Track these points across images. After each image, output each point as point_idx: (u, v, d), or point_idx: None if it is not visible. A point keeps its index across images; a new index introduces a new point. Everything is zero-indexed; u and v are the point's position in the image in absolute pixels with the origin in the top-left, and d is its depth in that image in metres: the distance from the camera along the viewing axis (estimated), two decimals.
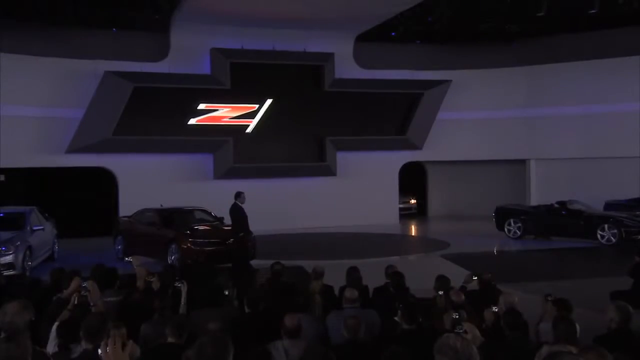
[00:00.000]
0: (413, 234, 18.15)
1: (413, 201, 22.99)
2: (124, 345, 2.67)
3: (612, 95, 19.35)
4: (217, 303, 5.67)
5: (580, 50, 19.81)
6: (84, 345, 3.69)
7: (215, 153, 18.66)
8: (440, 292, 5.94)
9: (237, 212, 11.67)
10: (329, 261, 12.25)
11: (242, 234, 11.64)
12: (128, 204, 16.12)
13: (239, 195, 11.83)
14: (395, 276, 6.82)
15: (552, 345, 3.82)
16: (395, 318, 4.95)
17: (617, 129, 19.26)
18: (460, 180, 23.18)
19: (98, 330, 3.61)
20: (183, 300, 5.74)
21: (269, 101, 19.05)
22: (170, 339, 4.33)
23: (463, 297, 5.80)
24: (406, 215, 21.83)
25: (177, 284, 5.96)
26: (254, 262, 11.93)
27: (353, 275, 6.88)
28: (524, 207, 17.75)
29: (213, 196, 17.35)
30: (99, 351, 2.65)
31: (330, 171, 19.86)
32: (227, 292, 5.88)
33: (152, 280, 6.37)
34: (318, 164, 19.81)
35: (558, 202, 16.27)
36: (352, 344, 4.45)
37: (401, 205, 21.46)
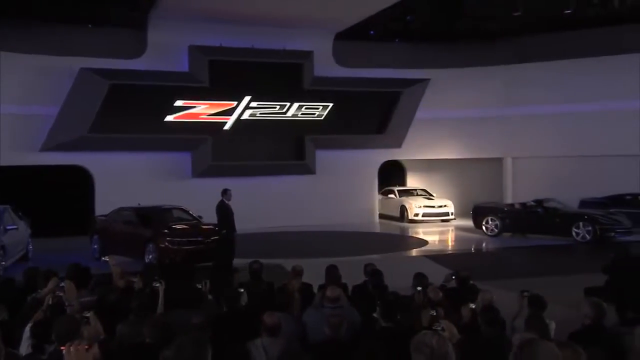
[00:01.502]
0: (392, 232, 18.26)
1: (446, 205, 19.70)
2: (89, 347, 2.63)
3: (590, 94, 19.52)
4: (195, 303, 5.64)
5: (557, 50, 20.01)
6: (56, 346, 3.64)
7: (194, 151, 18.54)
8: (419, 288, 6.02)
9: (224, 210, 11.66)
10: (308, 259, 12.26)
11: (224, 231, 11.63)
12: (104, 203, 15.93)
13: (225, 192, 11.82)
14: (374, 274, 6.86)
15: (524, 333, 3.88)
16: (374, 314, 4.97)
17: (594, 127, 19.47)
18: (438, 178, 23.37)
19: (68, 332, 3.55)
20: (160, 300, 5.70)
21: (247, 98, 18.99)
22: (147, 340, 4.30)
23: (440, 294, 5.86)
24: (437, 222, 19.35)
25: (154, 284, 5.92)
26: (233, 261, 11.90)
27: (332, 274, 6.91)
28: (500, 205, 17.99)
29: (191, 195, 17.24)
30: (64, 352, 2.61)
31: (309, 169, 19.86)
32: (200, 286, 5.84)
33: (134, 280, 6.33)
34: (297, 163, 19.79)
35: (535, 200, 16.53)
36: (333, 342, 4.46)
37: (429, 210, 19.39)
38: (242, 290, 5.90)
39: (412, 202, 19.51)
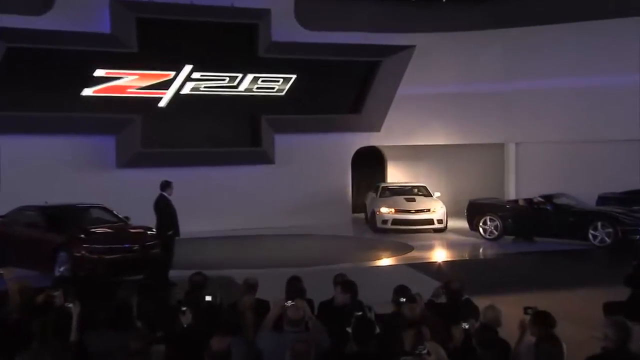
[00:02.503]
0: (368, 236, 18.38)
1: (430, 209, 18.32)
2: None
3: (607, 65, 19.68)
4: (120, 326, 5.59)
5: (568, 10, 20.05)
6: None
7: (118, 135, 18.32)
8: (403, 299, 6.10)
9: (165, 207, 11.67)
10: (264, 270, 12.20)
11: (170, 232, 11.64)
12: (2, 200, 15.58)
13: (167, 185, 11.86)
14: (345, 287, 6.90)
15: None
16: (348, 329, 5.06)
17: (613, 107, 19.73)
18: (425, 169, 23.62)
19: None
20: (75, 323, 5.63)
21: (188, 67, 18.84)
22: None
23: (418, 310, 5.96)
24: (415, 233, 18.06)
25: (66, 304, 5.85)
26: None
27: (295, 287, 6.92)
28: (501, 201, 18.29)
29: (115, 190, 17.04)
30: None
31: (266, 158, 19.85)
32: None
33: (55, 294, 6.29)
34: (251, 150, 19.76)
35: (542, 196, 16.81)
36: None
37: (402, 216, 18.17)
38: (184, 308, 5.91)
39: (381, 205, 18.68)
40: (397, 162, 24.05)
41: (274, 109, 19.86)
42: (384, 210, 18.41)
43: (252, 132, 19.86)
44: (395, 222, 18.24)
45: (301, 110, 20.11)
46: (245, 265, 13.41)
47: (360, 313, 5.72)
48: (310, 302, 6.84)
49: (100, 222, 13.15)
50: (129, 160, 18.32)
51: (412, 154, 23.60)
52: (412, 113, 21.19)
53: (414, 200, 18.81)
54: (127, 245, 12.05)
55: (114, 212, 13.55)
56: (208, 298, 6.46)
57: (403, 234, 17.77)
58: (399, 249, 15.89)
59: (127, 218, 13.31)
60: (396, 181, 22.52)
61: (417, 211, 18.38)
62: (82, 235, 12.08)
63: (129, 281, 10.14)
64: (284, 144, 20.06)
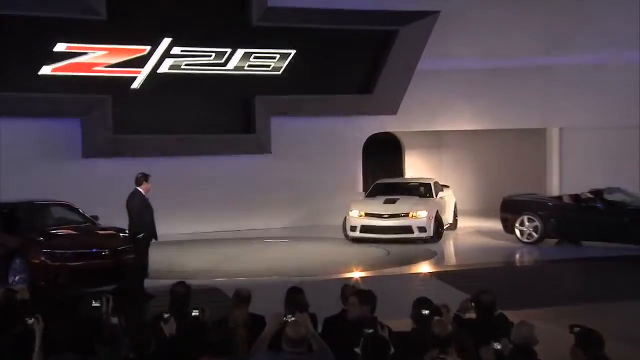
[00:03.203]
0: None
1: (412, 215, 17.31)
2: None
3: None
4: (83, 347, 5.61)
5: None
6: None
7: (85, 119, 18.32)
8: (425, 312, 6.10)
9: (139, 205, 11.71)
10: (258, 280, 12.31)
11: (141, 235, 11.70)
12: None
13: (143, 179, 11.89)
14: (363, 297, 6.91)
15: None
16: (356, 350, 5.05)
17: None
18: (451, 160, 23.59)
19: None
20: (38, 342, 5.67)
21: (166, 41, 18.84)
22: None
23: (450, 329, 5.96)
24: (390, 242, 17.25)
25: (28, 320, 5.88)
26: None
27: (295, 300, 6.93)
28: (542, 198, 18.25)
29: (82, 184, 17.08)
30: None
31: (261, 147, 19.88)
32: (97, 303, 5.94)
33: (17, 290, 6.37)
34: (243, 137, 19.79)
35: (592, 192, 16.78)
36: None
37: (374, 222, 17.40)
38: (167, 315, 5.99)
39: (352, 208, 17.67)
40: (416, 151, 24.06)
41: (270, 89, 19.84)
42: (352, 214, 17.55)
43: (244, 117, 19.85)
44: (365, 229, 17.37)
45: (302, 90, 20.09)
46: (236, 274, 13.42)
47: (371, 331, 5.74)
48: (313, 318, 6.84)
49: (63, 223, 13.17)
50: (97, 149, 18.31)
51: (435, 142, 23.60)
52: (434, 93, 21.18)
53: (393, 202, 17.74)
54: (95, 250, 12.07)
55: (80, 210, 13.56)
56: (194, 313, 6.48)
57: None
58: (418, 254, 15.93)
59: (95, 218, 13.33)
60: (411, 176, 22.56)
61: (392, 216, 17.31)
62: (42, 239, 12.09)
63: (98, 293, 10.16)
64: (283, 130, 20.06)
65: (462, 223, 20.02)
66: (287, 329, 5.60)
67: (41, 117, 18.02)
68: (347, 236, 17.65)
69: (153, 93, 18.88)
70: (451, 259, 15.99)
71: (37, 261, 11.76)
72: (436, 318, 6.13)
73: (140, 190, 11.86)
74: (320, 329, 6.79)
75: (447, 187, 19.87)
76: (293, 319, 5.86)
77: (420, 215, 17.30)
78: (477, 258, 15.94)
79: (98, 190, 16.55)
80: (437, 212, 17.60)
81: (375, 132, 21.61)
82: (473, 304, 7.19)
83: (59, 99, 18.03)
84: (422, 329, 6.00)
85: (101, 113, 18.31)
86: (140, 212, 11.77)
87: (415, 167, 23.81)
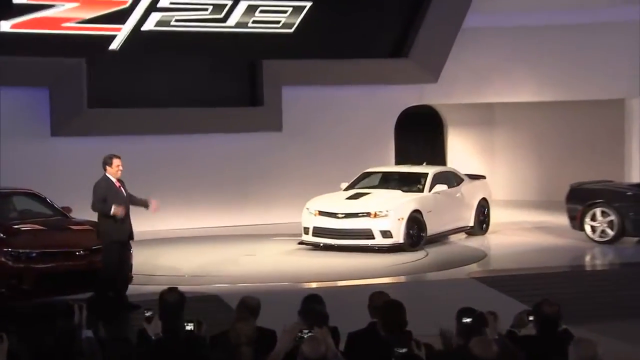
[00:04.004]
0: None
1: (374, 213, 16.55)
2: None
3: None
4: None
5: None
6: None
7: (53, 88, 18.40)
8: (466, 321, 6.16)
9: (108, 192, 11.71)
10: (267, 286, 12.31)
11: (107, 240, 11.64)
12: None
13: (110, 161, 11.87)
14: (387, 310, 6.91)
15: None
16: None
17: None
18: (505, 139, 23.49)
19: None
20: None
21: None
22: None
23: (495, 349, 5.94)
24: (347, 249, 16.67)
25: None
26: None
27: (312, 311, 6.94)
28: (619, 186, 18.17)
29: (50, 168, 17.25)
30: None
31: (270, 123, 19.92)
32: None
33: None
34: (247, 111, 19.85)
35: None
36: None
37: (327, 223, 16.77)
38: (149, 313, 6.16)
39: (308, 205, 17.12)
40: (462, 129, 24.00)
41: (279, 51, 19.87)
42: (305, 211, 17.05)
43: (248, 86, 19.88)
44: (317, 232, 16.73)
45: (319, 53, 20.12)
46: (240, 279, 13.51)
47: (404, 350, 5.74)
48: (334, 332, 6.85)
49: (27, 216, 13.22)
50: (69, 125, 18.37)
51: (485, 118, 23.52)
52: (485, 56, 21.13)
53: (358, 197, 17.15)
54: (66, 250, 12.11)
55: (48, 200, 13.61)
56: (189, 327, 6.50)
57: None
58: (463, 256, 15.98)
59: (66, 210, 13.37)
60: (453, 161, 22.48)
61: (347, 216, 16.57)
62: (1, 235, 12.11)
63: (70, 301, 10.22)
64: (296, 102, 20.10)
65: (520, 217, 20.13)
66: (302, 346, 5.63)
67: (1, 85, 18.07)
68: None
69: (136, 56, 18.95)
70: (504, 261, 15.92)
71: None
72: (475, 338, 6.08)
73: (109, 176, 11.83)
74: (342, 346, 6.81)
75: (479, 177, 19.45)
76: (310, 333, 5.88)
77: (384, 214, 16.39)
78: (536, 260, 15.90)
79: (70, 176, 16.62)
80: (419, 211, 16.63)
81: (410, 105, 21.54)
82: (531, 317, 7.15)
83: (21, 63, 18.13)
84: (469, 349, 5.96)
85: (73, 81, 18.37)
86: (97, 205, 11.73)
87: (459, 149, 23.68)
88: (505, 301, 11.62)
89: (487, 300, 10.94)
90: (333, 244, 16.50)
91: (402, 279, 14.14)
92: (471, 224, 18.23)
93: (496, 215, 19.29)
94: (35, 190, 13.85)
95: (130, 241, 12.18)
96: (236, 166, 19.80)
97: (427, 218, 16.73)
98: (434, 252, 16.29)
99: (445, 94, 21.54)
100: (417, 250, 16.29)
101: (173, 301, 7.39)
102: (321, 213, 16.76)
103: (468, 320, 6.29)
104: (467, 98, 21.95)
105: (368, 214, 16.45)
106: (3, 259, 11.74)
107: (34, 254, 11.90)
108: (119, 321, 11.17)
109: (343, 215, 16.55)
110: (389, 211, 16.36)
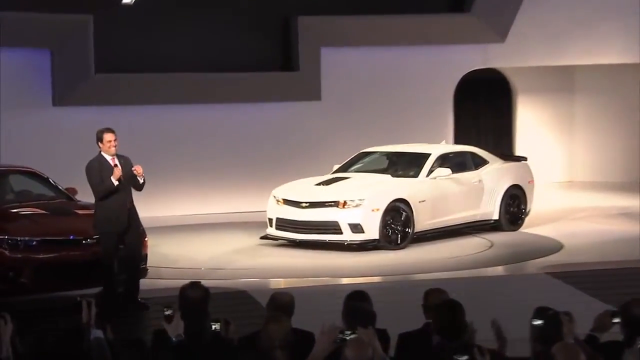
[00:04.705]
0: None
1: (341, 202, 16.17)
2: None
3: None
4: None
5: None
6: None
7: (56, 50, 18.60)
8: (537, 323, 6.19)
9: (102, 173, 11.81)
10: (302, 280, 12.39)
11: (104, 229, 11.83)
12: None
13: (101, 135, 11.96)
14: (444, 311, 6.99)
15: None
16: None
17: None
18: (588, 110, 23.38)
19: None
20: (5, 349, 5.90)
21: None
22: None
23: (582, 357, 5.99)
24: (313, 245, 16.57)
25: None
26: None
27: (356, 310, 7.02)
28: None
29: (52, 144, 17.49)
30: None
31: (306, 91, 20.03)
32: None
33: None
34: (280, 77, 20.01)
35: None
36: None
37: (290, 214, 16.51)
38: (168, 312, 6.26)
39: (274, 192, 16.91)
40: (535, 98, 23.81)
41: (317, 6, 19.97)
42: (272, 200, 16.78)
43: (281, 47, 20.00)
44: (280, 223, 16.39)
45: (365, 8, 20.15)
46: (271, 273, 13.77)
47: (465, 357, 5.80)
48: (383, 334, 6.96)
49: (26, 198, 13.38)
50: (73, 93, 18.57)
51: (564, 84, 23.37)
52: (563, 9, 21.07)
53: (330, 183, 16.83)
54: (72, 238, 12.24)
55: (51, 180, 13.75)
56: (215, 327, 6.63)
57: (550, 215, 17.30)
58: (536, 246, 16.01)
59: (71, 191, 13.49)
60: (525, 136, 22.31)
61: (312, 205, 16.23)
62: None
63: (77, 297, 10.39)
64: (337, 66, 20.16)
65: (604, 202, 20.07)
66: (345, 350, 5.69)
67: None
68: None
69: (152, 12, 19.08)
70: (584, 253, 15.84)
71: None
72: (559, 343, 6.14)
73: (102, 154, 11.93)
74: (392, 351, 6.91)
75: (518, 159, 19.20)
76: (354, 335, 5.91)
77: (355, 203, 15.96)
78: (622, 253, 15.80)
79: (75, 153, 16.72)
80: (404, 201, 16.09)
81: (473, 69, 21.53)
82: (616, 320, 7.17)
83: (18, 19, 18.28)
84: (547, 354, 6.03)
85: (78, 41, 18.53)
86: (94, 188, 11.88)
87: (531, 122, 23.57)
88: (585, 300, 11.62)
89: (563, 299, 11.00)
90: (295, 239, 16.17)
91: (462, 273, 14.05)
92: (495, 216, 17.43)
93: (576, 200, 19.28)
94: (35, 169, 13.98)
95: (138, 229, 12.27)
96: (266, 142, 19.94)
97: (417, 210, 16.11)
98: (499, 242, 16.29)
99: (515, 55, 21.50)
100: (399, 249, 15.76)
101: (196, 298, 7.51)
102: (286, 202, 16.44)
103: (539, 322, 6.34)
104: (540, 60, 21.87)
105: (336, 204, 16.03)
106: (0, 248, 11.88)
107: (33, 243, 12.02)
108: (131, 320, 11.39)
109: (307, 204, 16.16)
110: (362, 200, 15.92)
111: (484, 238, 16.68)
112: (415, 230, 16.13)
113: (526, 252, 15.77)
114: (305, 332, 7.12)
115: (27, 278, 11.78)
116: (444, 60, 21.12)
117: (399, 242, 15.88)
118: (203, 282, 7.83)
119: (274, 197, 16.55)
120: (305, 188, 16.67)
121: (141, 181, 12.03)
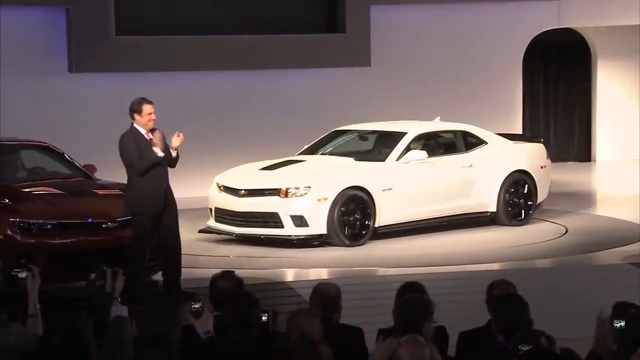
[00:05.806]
0: (558, 206, 18.25)
1: (294, 187, 15.70)
2: None
3: None
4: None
5: None
6: None
7: (72, 10, 18.63)
8: (619, 325, 6.14)
9: (132, 150, 11.88)
10: (350, 271, 12.38)
11: (138, 211, 11.88)
12: None
13: (140, 107, 12.00)
14: (508, 306, 6.96)
15: None
16: None
17: None
18: None
19: None
20: (32, 304, 6.31)
21: None
22: None
23: None
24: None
25: (19, 273, 6.74)
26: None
27: (411, 304, 6.99)
28: None
29: (68, 114, 17.65)
30: None
31: (354, 55, 20.04)
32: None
33: None
34: (325, 39, 20.08)
35: None
36: None
37: (240, 204, 15.97)
38: (196, 306, 6.31)
39: (217, 178, 16.39)
40: (617, 63, 23.64)
41: None
42: (213, 187, 16.30)
43: (326, 5, 20.06)
44: (219, 214, 16.04)
45: None
46: (314, 262, 13.74)
47: (529, 347, 5.80)
48: (442, 332, 6.93)
49: (40, 176, 13.48)
50: (92, 57, 18.66)
51: None
52: None
53: (277, 167, 16.37)
54: (90, 221, 12.29)
55: (67, 156, 13.82)
56: (263, 318, 6.68)
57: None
58: (617, 232, 15.97)
59: (90, 168, 13.55)
60: (606, 106, 22.20)
61: (251, 193, 15.73)
62: (7, 201, 12.35)
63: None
64: (388, 27, 20.20)
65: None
66: (400, 349, 5.72)
67: (2, 5, 18.24)
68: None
69: None
70: None
71: (0, 237, 12.01)
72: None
73: (137, 127, 11.98)
74: (453, 351, 6.92)
75: (531, 139, 18.75)
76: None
77: (300, 192, 15.49)
78: None
79: (93, 125, 16.84)
80: (363, 189, 15.59)
81: (544, 30, 21.50)
82: None
83: None
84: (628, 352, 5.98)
85: (97, 2, 18.58)
86: (134, 163, 11.91)
87: (613, 91, 23.42)
88: None
89: None
90: (232, 232, 15.77)
91: (532, 263, 14.11)
92: (492, 208, 16.79)
93: None
94: (49, 143, 14.05)
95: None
96: (309, 112, 20.04)
97: (380, 200, 15.61)
98: (575, 228, 16.29)
99: (594, 12, 21.55)
100: (356, 246, 15.22)
101: (229, 288, 7.50)
102: (225, 189, 16.03)
103: (621, 323, 6.26)
104: (624, 19, 21.77)
105: (277, 192, 15.50)
106: (9, 232, 11.97)
107: (48, 226, 12.11)
108: (156, 314, 11.48)
109: (245, 192, 15.70)
110: (308, 188, 15.43)
111: (558, 224, 16.57)
112: (380, 224, 15.57)
113: (605, 239, 15.65)
114: (353, 328, 7.20)
115: (41, 266, 11.74)
116: (510, 20, 21.14)
117: (355, 237, 15.29)
118: (238, 270, 7.86)
119: (217, 183, 16.11)
120: (247, 173, 16.24)
121: (174, 155, 12.03)
